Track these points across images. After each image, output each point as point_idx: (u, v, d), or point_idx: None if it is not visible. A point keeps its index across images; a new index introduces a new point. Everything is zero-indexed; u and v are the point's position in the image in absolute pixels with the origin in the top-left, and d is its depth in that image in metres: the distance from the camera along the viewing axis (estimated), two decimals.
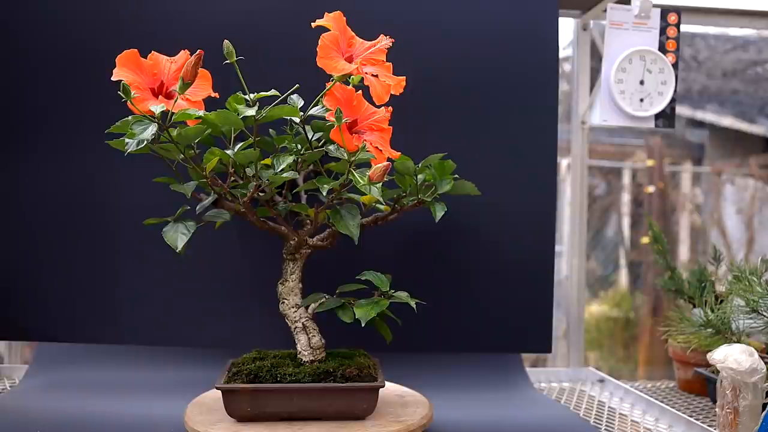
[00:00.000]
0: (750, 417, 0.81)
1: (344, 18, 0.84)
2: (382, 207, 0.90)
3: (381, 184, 0.80)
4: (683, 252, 3.76)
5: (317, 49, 0.80)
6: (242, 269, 1.10)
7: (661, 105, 1.21)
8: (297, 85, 0.84)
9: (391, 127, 0.86)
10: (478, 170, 1.01)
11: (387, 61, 0.85)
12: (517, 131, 1.12)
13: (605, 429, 0.99)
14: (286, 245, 0.90)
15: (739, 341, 1.00)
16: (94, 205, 1.08)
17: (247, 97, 0.83)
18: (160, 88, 0.82)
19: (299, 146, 0.86)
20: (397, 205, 0.92)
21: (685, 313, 1.13)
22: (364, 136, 0.83)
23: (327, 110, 0.82)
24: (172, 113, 0.76)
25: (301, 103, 0.85)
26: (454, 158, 0.89)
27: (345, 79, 0.83)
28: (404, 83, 0.85)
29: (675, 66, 1.21)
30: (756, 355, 0.82)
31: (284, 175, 0.80)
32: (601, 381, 1.26)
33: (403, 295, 0.88)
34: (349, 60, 0.83)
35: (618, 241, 3.87)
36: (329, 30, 0.82)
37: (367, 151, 0.81)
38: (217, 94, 0.85)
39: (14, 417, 0.94)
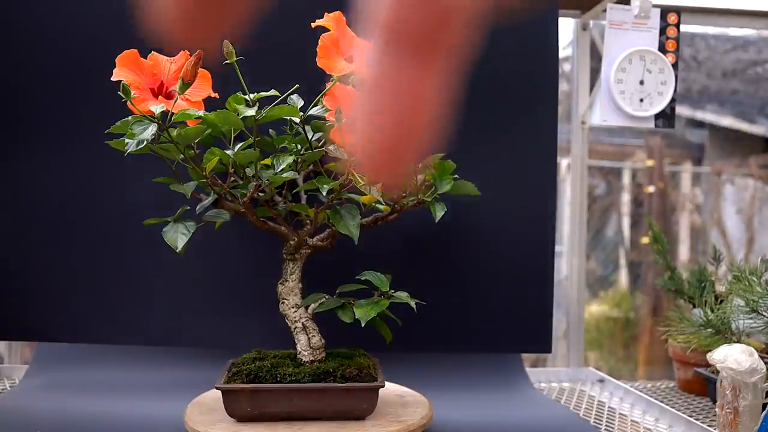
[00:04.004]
0: (750, 417, 0.81)
1: (344, 18, 0.84)
2: (382, 207, 0.90)
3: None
4: (683, 252, 3.76)
5: (317, 49, 0.80)
6: (242, 269, 1.10)
7: (661, 105, 1.21)
8: (297, 85, 0.84)
9: None
10: (478, 170, 1.01)
11: None
12: (517, 131, 1.12)
13: (605, 429, 0.99)
14: (286, 245, 0.90)
15: (739, 341, 1.00)
16: (94, 205, 1.08)
17: (247, 97, 0.83)
18: (160, 88, 0.81)
19: (299, 146, 0.86)
20: (397, 205, 0.92)
21: (685, 313, 1.13)
22: None
23: (327, 110, 0.82)
24: (172, 113, 0.76)
25: (301, 103, 0.85)
26: (454, 158, 0.89)
27: (345, 79, 0.83)
28: None
29: (675, 66, 1.21)
30: (756, 355, 0.83)
31: (284, 175, 0.80)
32: (601, 381, 1.26)
33: (403, 295, 0.88)
34: (349, 60, 0.83)
35: (618, 241, 3.87)
36: (329, 30, 0.82)
37: None
38: (217, 94, 0.85)
39: (14, 417, 0.94)
